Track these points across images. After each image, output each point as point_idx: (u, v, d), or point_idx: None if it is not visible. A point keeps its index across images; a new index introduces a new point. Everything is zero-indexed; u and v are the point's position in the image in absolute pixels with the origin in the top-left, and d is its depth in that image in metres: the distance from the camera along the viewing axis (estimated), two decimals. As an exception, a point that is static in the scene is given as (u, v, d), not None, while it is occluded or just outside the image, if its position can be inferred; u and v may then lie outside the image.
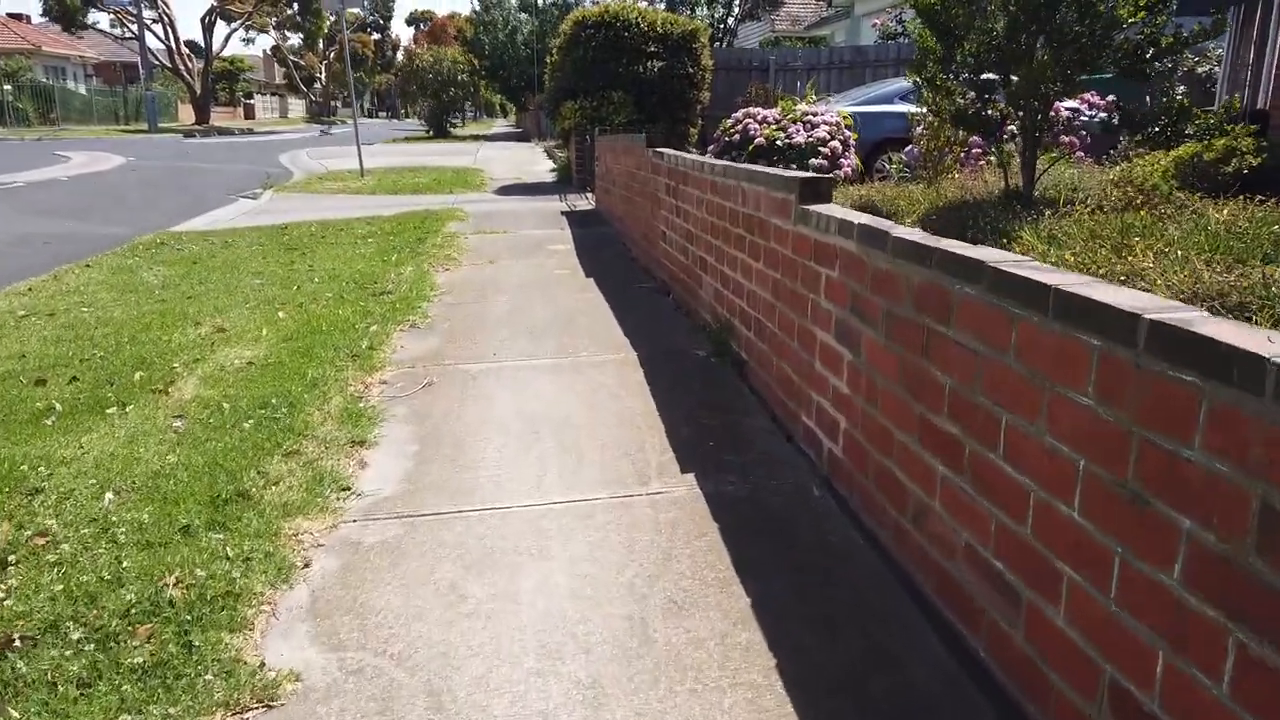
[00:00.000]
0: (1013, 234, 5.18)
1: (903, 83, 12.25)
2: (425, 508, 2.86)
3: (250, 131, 40.61)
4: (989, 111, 6.68)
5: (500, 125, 58.98)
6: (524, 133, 37.70)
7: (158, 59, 42.03)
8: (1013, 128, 6.86)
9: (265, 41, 74.21)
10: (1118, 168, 7.32)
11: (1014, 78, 6.29)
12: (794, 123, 9.66)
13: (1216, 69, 13.49)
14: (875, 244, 2.50)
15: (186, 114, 45.89)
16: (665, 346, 4.64)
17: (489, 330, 5.07)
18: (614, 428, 3.51)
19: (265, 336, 4.82)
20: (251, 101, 61.72)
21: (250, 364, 4.31)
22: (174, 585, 2.34)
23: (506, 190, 13.72)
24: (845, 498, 2.77)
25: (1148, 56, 5.87)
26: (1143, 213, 5.05)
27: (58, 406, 3.73)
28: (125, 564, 2.45)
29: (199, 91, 42.51)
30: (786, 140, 9.46)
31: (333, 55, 66.70)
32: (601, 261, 7.32)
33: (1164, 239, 4.64)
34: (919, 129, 8.95)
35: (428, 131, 33.56)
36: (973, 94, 6.77)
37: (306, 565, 2.52)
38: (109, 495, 2.88)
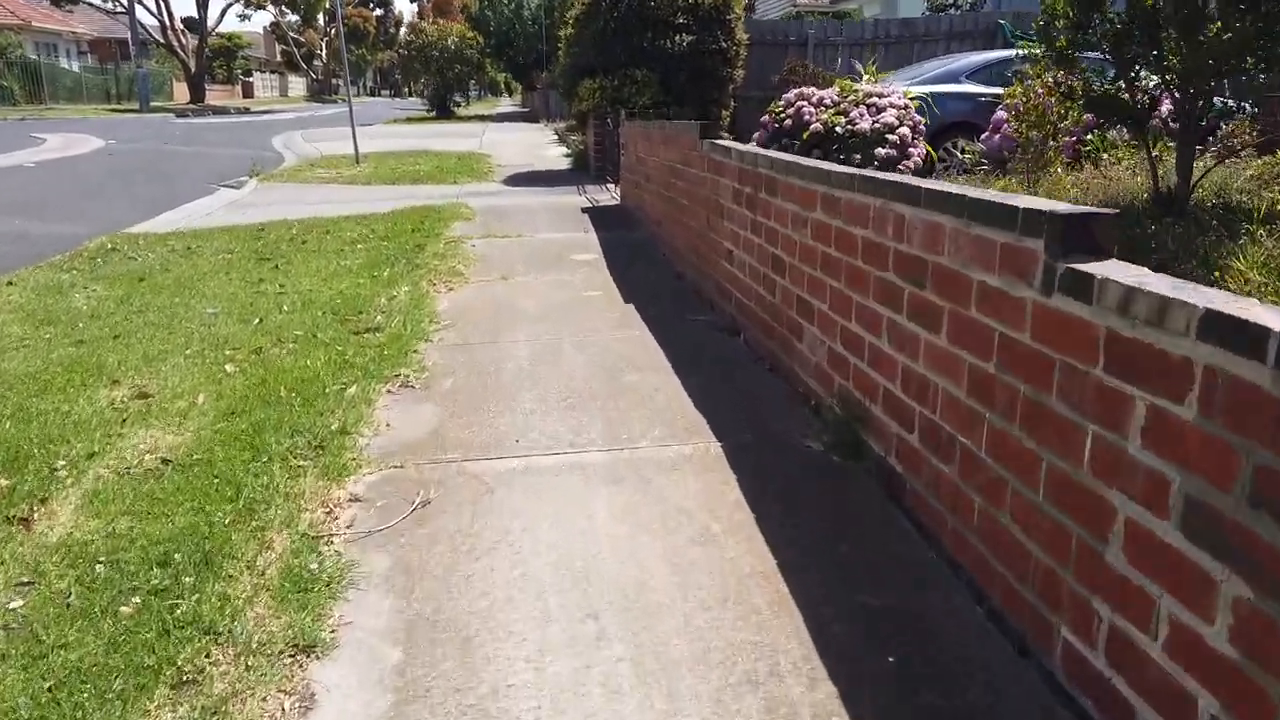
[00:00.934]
0: (1215, 262, 3.83)
1: (970, 59, 10.82)
2: (410, 833, 1.55)
3: (247, 111, 39.12)
4: (1131, 94, 5.31)
5: (505, 104, 57.32)
6: (531, 113, 36.17)
7: (150, 35, 40.43)
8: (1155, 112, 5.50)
9: (263, 18, 72.34)
10: (1253, 165, 5.96)
11: (1167, 51, 4.92)
12: (856, 105, 8.27)
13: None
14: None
15: (182, 92, 44.35)
16: (757, 428, 3.30)
17: (507, 393, 3.74)
18: (718, 611, 2.18)
19: (200, 408, 3.50)
20: (250, 80, 60.03)
21: (166, 462, 2.99)
22: None
23: (516, 180, 12.34)
24: None
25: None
26: None
27: None
28: None
29: (194, 69, 40.92)
30: (849, 127, 8.08)
31: (333, 32, 65.01)
32: (639, 278, 5.97)
33: None
34: (1011, 112, 7.55)
35: (430, 111, 32.05)
36: (1113, 70, 5.40)
37: None
38: None
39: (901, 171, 8.07)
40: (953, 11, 13.89)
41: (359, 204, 9.68)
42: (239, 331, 4.60)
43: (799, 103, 8.43)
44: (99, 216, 9.23)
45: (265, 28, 69.56)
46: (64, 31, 48.57)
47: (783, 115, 8.53)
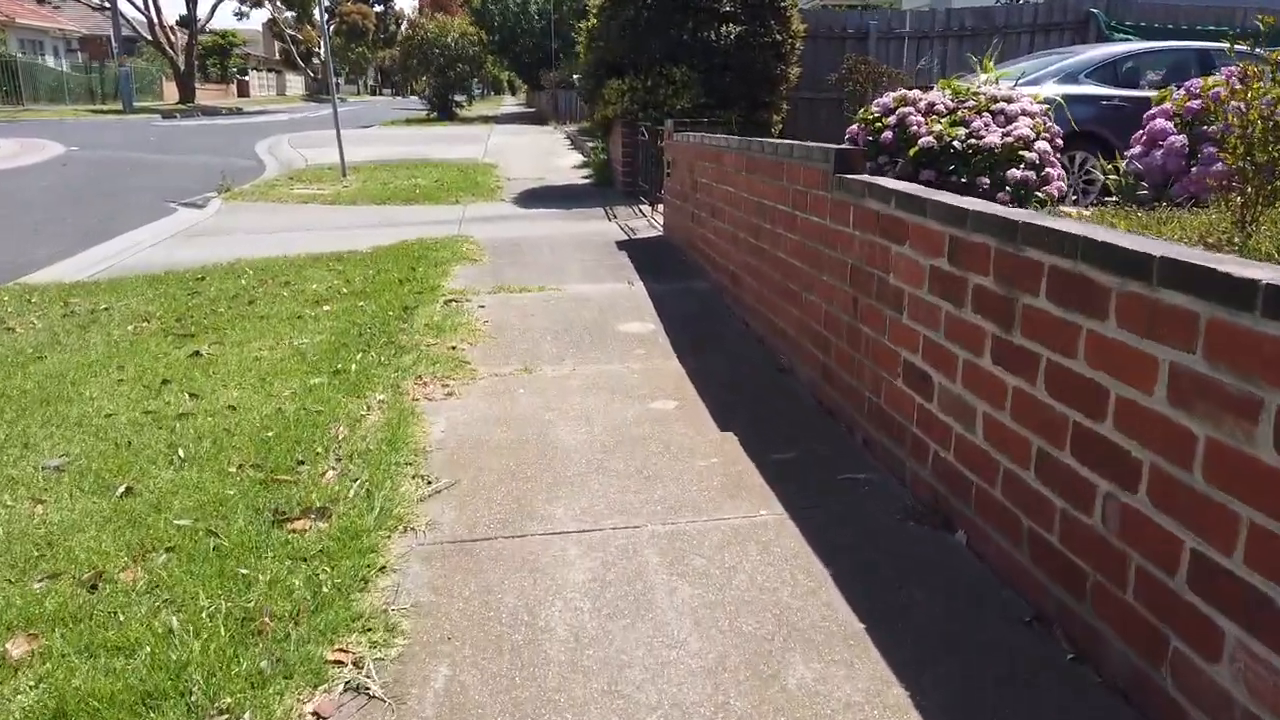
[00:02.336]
0: None
1: (1090, 53, 8.87)
2: None
3: (239, 111, 37.17)
4: None
5: (510, 104, 55.36)
6: (538, 113, 34.26)
7: (138, 32, 38.48)
8: None
9: (262, 16, 70.16)
10: None
11: None
12: (978, 113, 6.36)
13: None
14: None
15: (172, 92, 42.40)
16: None
17: (560, 725, 1.84)
18: None
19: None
20: (246, 78, 58.06)
21: None
22: None
23: (530, 199, 10.42)
24: None
25: None
26: None
27: None
28: None
29: (183, 67, 38.94)
30: (971, 140, 6.16)
31: (331, 29, 63.11)
32: (725, 373, 4.05)
33: None
34: (1215, 124, 5.61)
35: (430, 113, 30.08)
36: None
37: None
38: None
39: (1042, 201, 6.17)
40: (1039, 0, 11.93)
41: (338, 234, 7.78)
42: (83, 517, 2.67)
43: (902, 110, 6.50)
44: (9, 252, 7.34)
45: (264, 25, 67.60)
46: (51, 28, 46.70)
47: (880, 124, 6.61)
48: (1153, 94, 6.96)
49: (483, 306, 5.26)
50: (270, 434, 3.27)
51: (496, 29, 30.63)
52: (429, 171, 12.84)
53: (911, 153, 6.29)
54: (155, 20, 37.21)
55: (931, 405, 2.68)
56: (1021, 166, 6.13)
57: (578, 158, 15.23)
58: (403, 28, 41.63)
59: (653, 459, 3.14)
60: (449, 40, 27.53)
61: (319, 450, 3.13)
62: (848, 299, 3.34)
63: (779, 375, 4.07)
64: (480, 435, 3.36)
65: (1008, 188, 6.07)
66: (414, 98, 50.50)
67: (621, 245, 7.24)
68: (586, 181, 11.86)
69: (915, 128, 6.37)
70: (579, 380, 3.99)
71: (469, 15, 31.80)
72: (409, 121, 28.23)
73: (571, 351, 4.42)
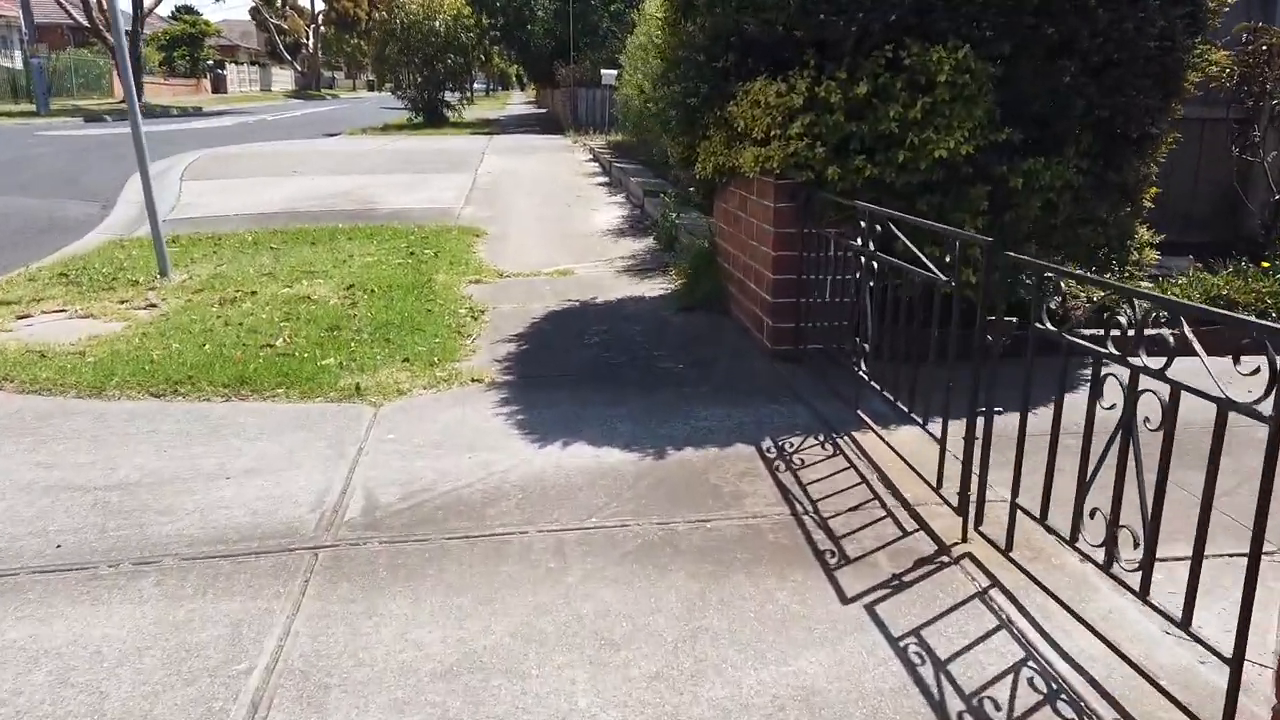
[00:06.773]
0: None
1: None
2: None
3: (195, 112, 31.09)
4: None
5: (517, 101, 49.01)
6: (549, 116, 28.10)
7: (72, 17, 32.36)
8: None
9: (240, 2, 63.85)
10: None
11: None
12: None
13: None
14: None
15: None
16: None
17: None
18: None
19: None
20: (222, 72, 51.78)
21: None
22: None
23: (540, 377, 4.24)
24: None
25: None
26: None
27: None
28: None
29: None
30: None
31: (321, 18, 57.01)
32: None
33: None
34: None
35: (413, 116, 23.83)
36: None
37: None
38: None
39: None
40: None
41: None
42: None
43: None
44: None
45: (250, 11, 61.28)
46: (14, 16, 40.67)
47: None
48: None
49: None
50: None
51: (499, 11, 24.44)
52: (352, 253, 6.71)
53: None
54: (94, 3, 31.13)
55: None
56: None
57: (623, 208, 9.10)
58: (372, 12, 35.01)
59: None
60: (436, 25, 21.34)
61: None
62: None
63: None
64: None
65: None
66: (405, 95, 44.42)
67: None
68: (662, 293, 5.68)
69: None
70: None
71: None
72: (386, 128, 22.05)
73: None
